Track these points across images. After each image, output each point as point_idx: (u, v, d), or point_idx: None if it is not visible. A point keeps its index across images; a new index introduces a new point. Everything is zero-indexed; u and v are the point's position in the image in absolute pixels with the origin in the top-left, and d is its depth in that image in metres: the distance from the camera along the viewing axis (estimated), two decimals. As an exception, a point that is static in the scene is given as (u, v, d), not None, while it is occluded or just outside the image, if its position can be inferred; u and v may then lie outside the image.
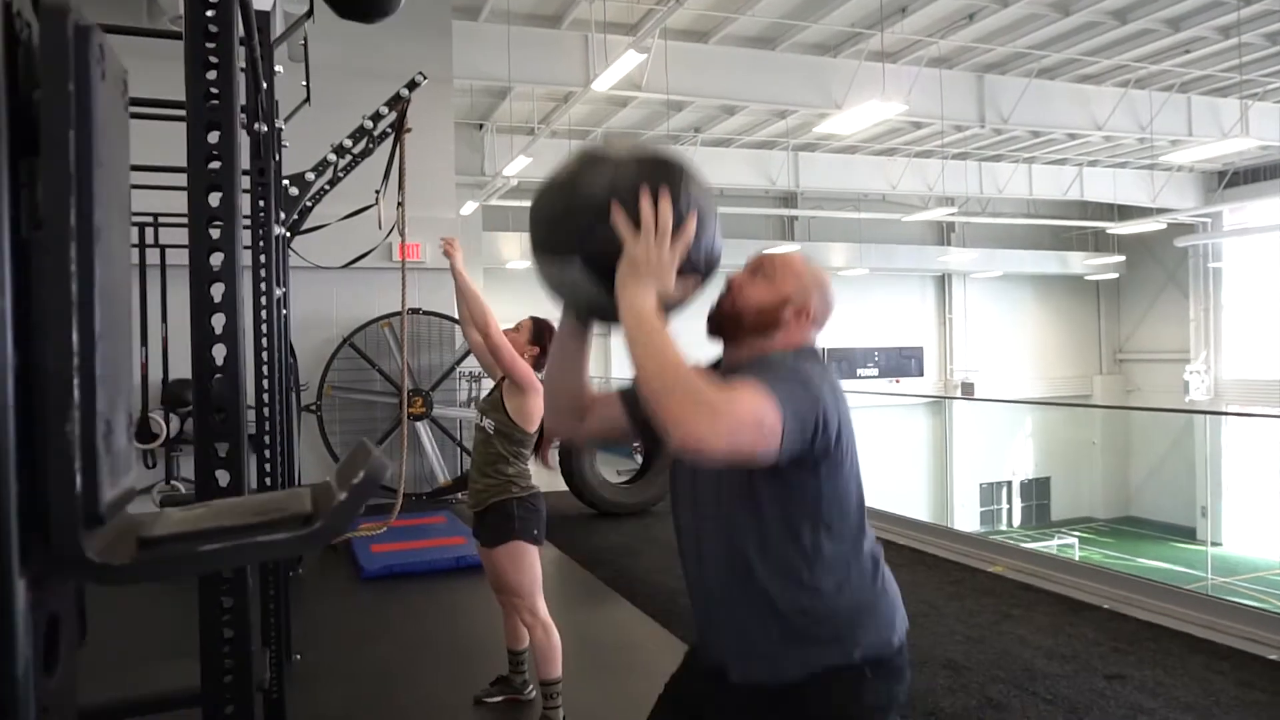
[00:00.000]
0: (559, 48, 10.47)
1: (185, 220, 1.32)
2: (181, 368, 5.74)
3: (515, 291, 18.07)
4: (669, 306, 1.32)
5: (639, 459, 7.37)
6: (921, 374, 21.03)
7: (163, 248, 5.65)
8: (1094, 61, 11.79)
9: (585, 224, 1.28)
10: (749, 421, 1.22)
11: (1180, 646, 3.84)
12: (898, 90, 10.85)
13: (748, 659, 1.45)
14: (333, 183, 5.50)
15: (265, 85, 2.74)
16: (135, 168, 3.46)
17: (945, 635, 3.99)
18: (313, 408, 7.00)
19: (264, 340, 2.90)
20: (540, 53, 10.28)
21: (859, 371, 20.54)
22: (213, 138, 1.30)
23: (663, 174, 1.28)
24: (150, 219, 5.48)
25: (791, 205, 19.01)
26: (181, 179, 3.02)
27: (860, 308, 20.50)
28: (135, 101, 3.49)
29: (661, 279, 1.28)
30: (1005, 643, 3.90)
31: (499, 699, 3.36)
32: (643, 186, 1.26)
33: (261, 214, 2.81)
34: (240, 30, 2.24)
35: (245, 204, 3.51)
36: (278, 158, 3.70)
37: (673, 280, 1.29)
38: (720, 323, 1.53)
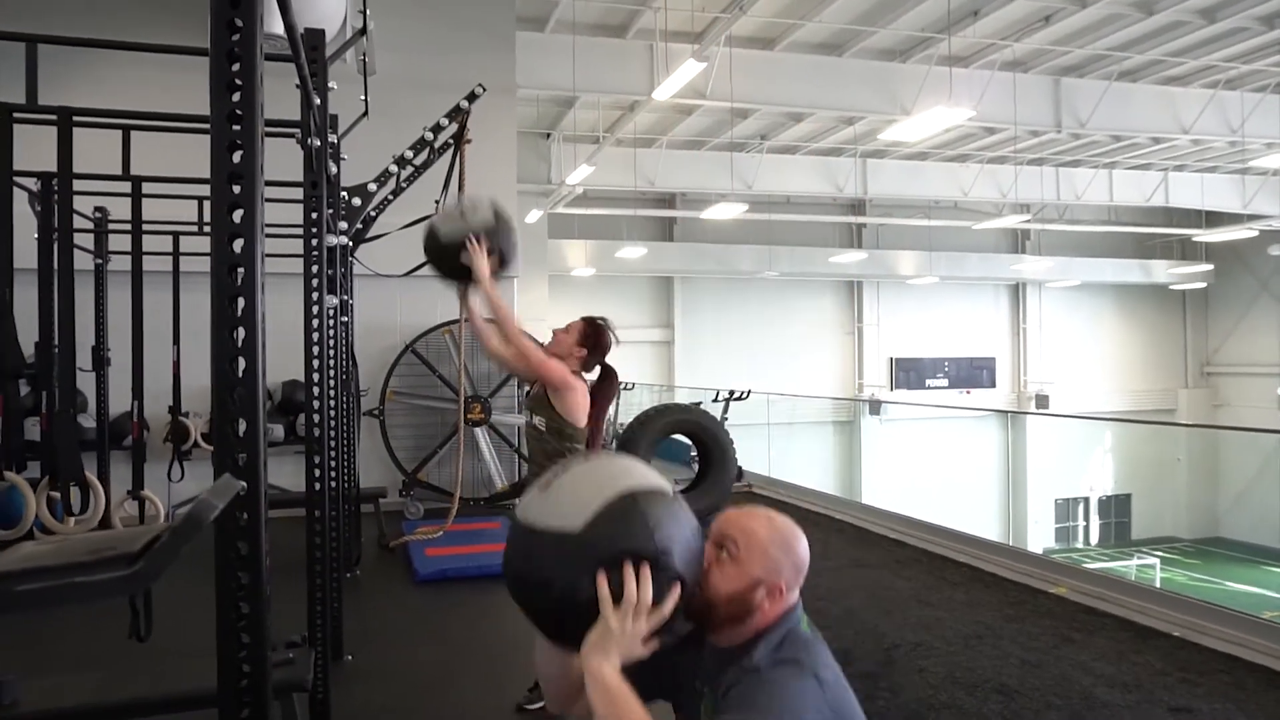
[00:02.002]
0: (624, 57, 10.53)
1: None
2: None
3: (577, 299, 18.23)
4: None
5: (695, 466, 7.33)
6: (994, 385, 20.46)
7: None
8: (1180, 62, 11.32)
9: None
10: None
11: (1256, 680, 3.64)
12: (969, 95, 10.59)
13: None
14: (396, 193, 5.62)
15: (319, 101, 2.82)
16: (192, 180, 3.60)
17: (1000, 658, 3.86)
18: (375, 413, 7.16)
19: (314, 349, 2.97)
20: (605, 62, 10.36)
21: (928, 382, 20.11)
22: (236, 158, 1.34)
23: (643, 546, 1.28)
24: (197, 228, 5.67)
25: (860, 213, 18.72)
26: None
27: (929, 317, 20.09)
28: (190, 118, 3.63)
29: (631, 651, 1.27)
30: (1064, 668, 3.76)
31: (539, 705, 3.38)
32: (625, 560, 1.26)
33: (314, 226, 2.89)
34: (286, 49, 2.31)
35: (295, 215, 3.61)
36: (336, 170, 3.81)
37: (641, 649, 1.28)
38: (693, 614, 1.40)
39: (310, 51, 2.87)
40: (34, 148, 3.14)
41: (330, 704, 2.97)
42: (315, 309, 2.96)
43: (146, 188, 4.37)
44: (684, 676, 1.49)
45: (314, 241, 2.90)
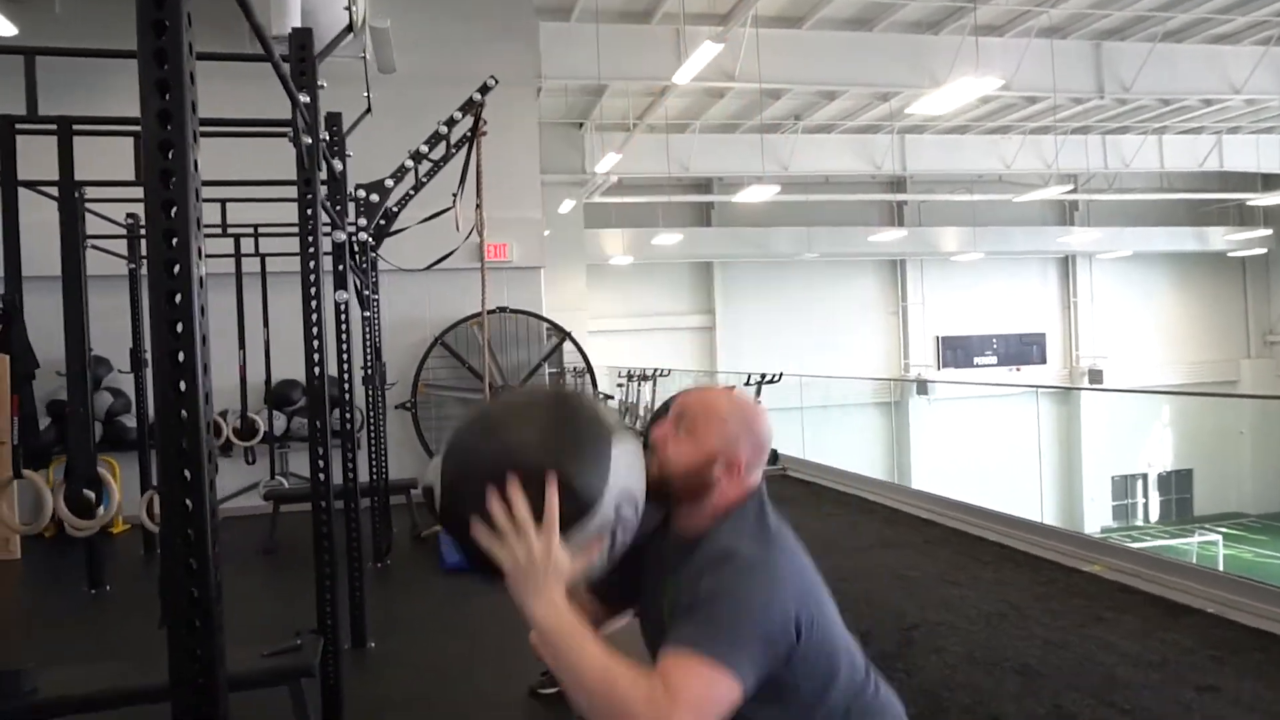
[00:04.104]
0: (650, 43, 10.48)
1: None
2: (287, 368, 6.09)
3: (615, 288, 18.27)
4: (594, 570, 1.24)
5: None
6: (1044, 361, 20.00)
7: (263, 256, 6.00)
8: (1228, 19, 10.88)
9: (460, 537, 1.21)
10: (695, 708, 1.11)
11: (1292, 656, 3.51)
12: (1004, 64, 10.32)
13: None
14: (417, 188, 5.67)
15: (307, 99, 2.86)
16: (236, 182, 3.71)
17: (1022, 637, 3.79)
18: (407, 405, 7.28)
19: (314, 343, 3.03)
20: (631, 49, 10.33)
21: (976, 360, 19.74)
22: (169, 155, 1.37)
23: (509, 458, 1.17)
24: (250, 229, 5.83)
25: (899, 190, 18.41)
26: (279, 191, 3.15)
27: (976, 294, 19.69)
28: (231, 122, 3.70)
29: (559, 573, 1.16)
30: (1089, 648, 3.67)
31: (552, 690, 3.41)
32: (489, 488, 1.14)
33: (310, 222, 2.94)
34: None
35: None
36: (342, 167, 3.87)
37: (567, 565, 1.17)
38: (651, 490, 1.34)
39: (299, 50, 2.92)
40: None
41: (342, 690, 3.04)
42: (314, 304, 3.01)
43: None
44: (648, 574, 1.43)
45: (309, 238, 2.95)
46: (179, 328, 1.41)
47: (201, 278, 1.44)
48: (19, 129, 2.78)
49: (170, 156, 1.40)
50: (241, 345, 5.87)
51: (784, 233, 18.04)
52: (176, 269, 1.41)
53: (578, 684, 1.14)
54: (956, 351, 19.97)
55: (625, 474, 1.24)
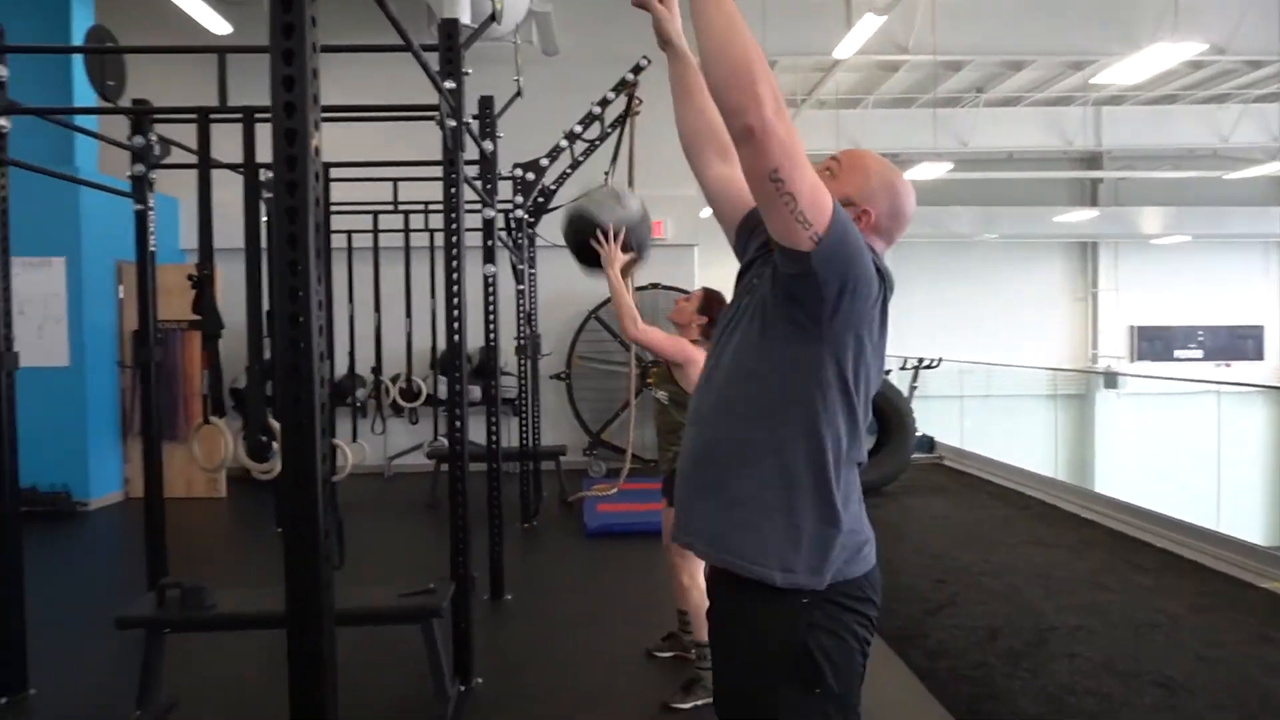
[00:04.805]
0: (818, 16, 10.24)
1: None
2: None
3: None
4: None
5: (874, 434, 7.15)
6: (1260, 357, 17.98)
7: (431, 231, 6.44)
8: None
9: None
10: (796, 151, 1.22)
11: None
12: (1221, 25, 9.32)
13: (687, 529, 1.47)
14: (574, 166, 5.90)
15: (453, 85, 3.08)
16: (404, 163, 4.06)
17: (1172, 650, 3.53)
18: (562, 376, 7.60)
19: (454, 313, 3.27)
20: (798, 22, 10.14)
21: (1177, 353, 18.04)
22: (293, 143, 1.56)
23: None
24: (421, 206, 6.26)
25: (1094, 166, 17.03)
26: (440, 171, 3.40)
27: (1180, 280, 17.96)
28: (387, 107, 4.02)
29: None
30: (1248, 668, 3.37)
31: (669, 654, 3.54)
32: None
33: (453, 200, 3.17)
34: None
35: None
36: (493, 148, 4.10)
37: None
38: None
39: (446, 40, 3.14)
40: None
41: (471, 633, 3.30)
42: (455, 276, 3.24)
43: (348, 172, 4.94)
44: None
45: (453, 215, 3.18)
46: (298, 294, 1.61)
47: (318, 250, 1.63)
48: (212, 118, 3.17)
49: (294, 144, 1.59)
50: (408, 314, 6.33)
51: (962, 212, 17.14)
52: (296, 242, 1.61)
53: (738, 35, 1.22)
54: (1155, 343, 18.32)
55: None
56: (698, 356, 3.21)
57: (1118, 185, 17.44)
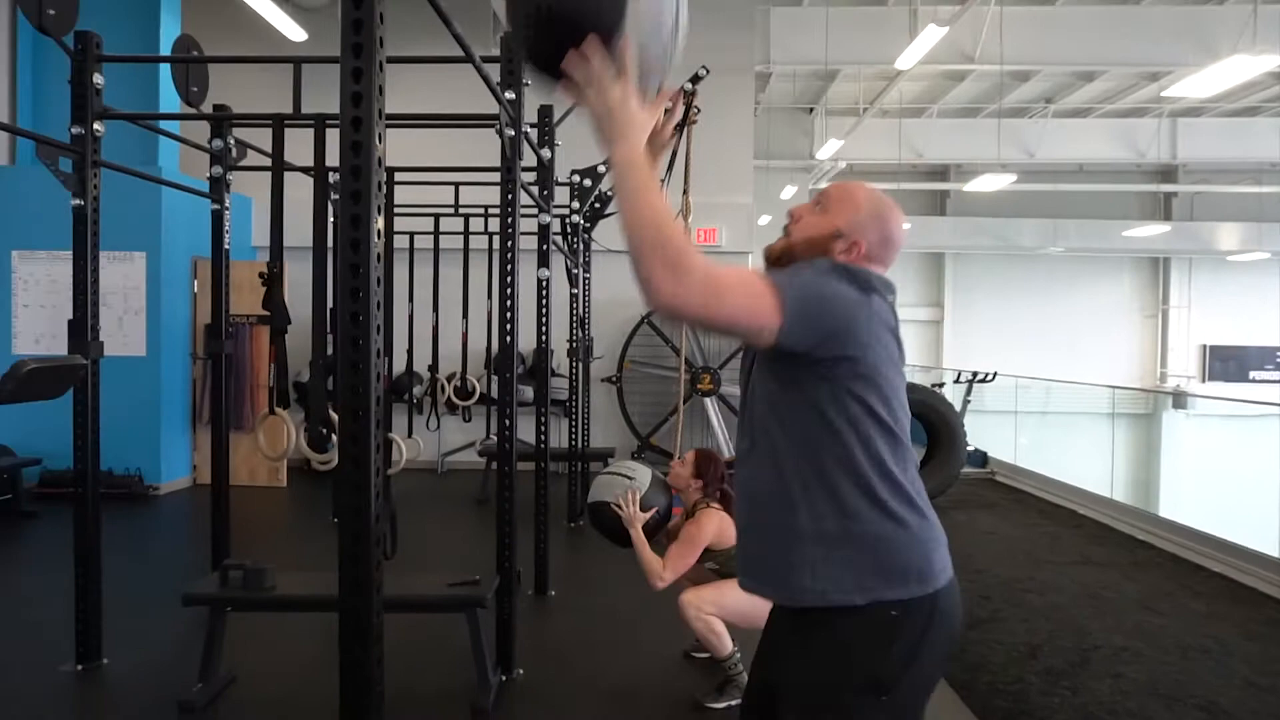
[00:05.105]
0: (882, 26, 10.20)
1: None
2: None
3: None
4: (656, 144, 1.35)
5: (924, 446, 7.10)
6: (1343, 381, 17.27)
7: (490, 235, 6.60)
8: None
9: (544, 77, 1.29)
10: (720, 289, 1.23)
11: None
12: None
13: (755, 577, 1.51)
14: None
15: (514, 96, 3.20)
16: (470, 168, 4.21)
17: (1221, 677, 3.47)
18: (613, 379, 7.71)
19: (508, 314, 3.39)
20: (862, 32, 10.11)
21: (1252, 374, 17.43)
22: (358, 154, 1.68)
23: (585, 18, 1.20)
24: (481, 210, 6.43)
25: (1169, 180, 16.55)
26: (497, 176, 3.51)
27: (1257, 299, 17.38)
28: (450, 116, 4.16)
29: (634, 122, 1.24)
30: (1299, 697, 3.30)
31: (705, 655, 3.60)
32: (570, 48, 1.21)
33: (509, 206, 3.28)
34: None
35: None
36: (550, 155, 4.22)
37: (642, 116, 1.25)
38: (775, 256, 1.52)
39: (507, 53, 3.26)
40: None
41: (514, 625, 3.40)
42: (509, 279, 3.36)
43: (411, 176, 5.12)
44: None
45: (509, 220, 3.30)
46: (359, 294, 1.73)
47: (378, 255, 1.75)
48: (286, 124, 3.35)
49: (359, 155, 1.71)
50: (465, 314, 6.51)
51: (1028, 224, 16.83)
52: (358, 246, 1.72)
53: (634, 216, 1.23)
54: (1228, 364, 17.75)
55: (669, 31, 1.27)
56: (713, 531, 3.22)
57: (1193, 199, 16.94)
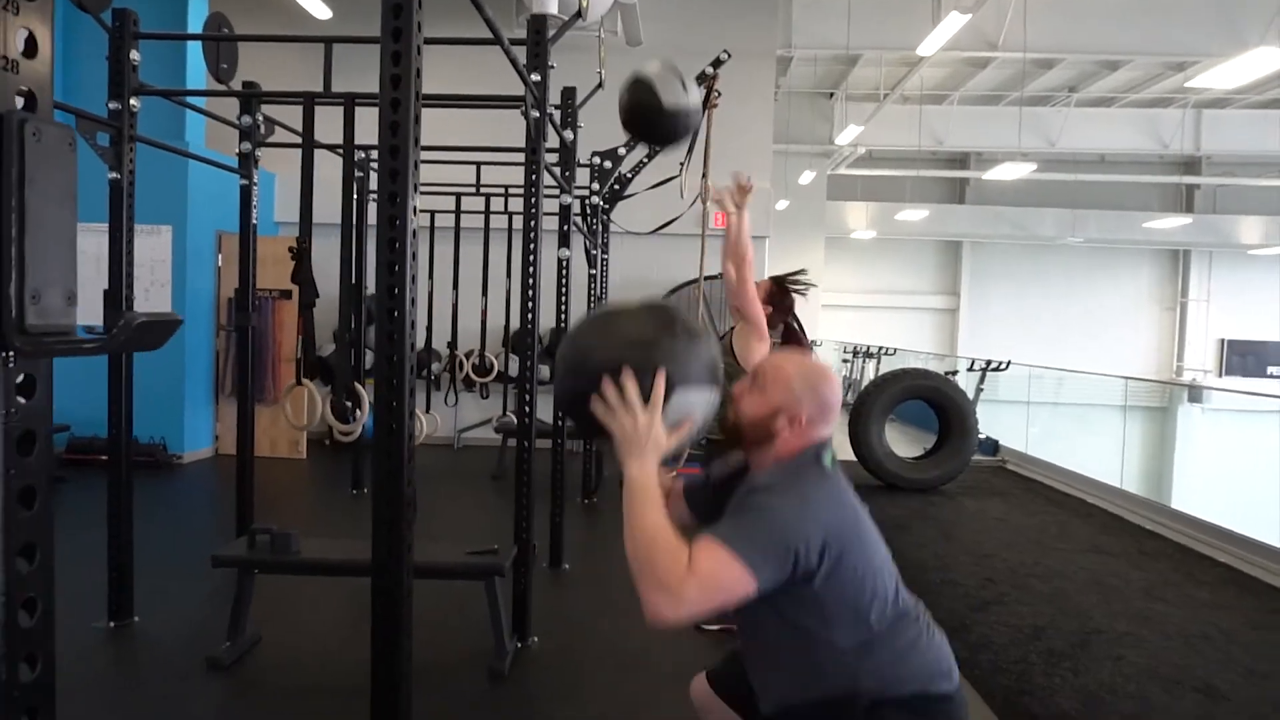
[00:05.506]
0: (904, 11, 10.16)
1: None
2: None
3: (855, 262, 17.91)
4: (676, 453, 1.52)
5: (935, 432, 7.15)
6: (1362, 377, 17.14)
7: (510, 214, 6.68)
8: None
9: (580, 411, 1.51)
10: (707, 589, 1.38)
11: None
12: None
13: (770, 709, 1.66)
14: (650, 155, 6.05)
15: (539, 78, 3.26)
16: (492, 148, 4.27)
17: (1220, 662, 3.53)
18: (629, 359, 7.78)
19: (529, 294, 3.47)
20: (884, 17, 10.08)
21: (1270, 369, 17.32)
22: (395, 134, 1.76)
23: (632, 353, 1.44)
24: (501, 190, 6.50)
25: (1193, 171, 16.41)
26: (521, 156, 3.58)
27: (1278, 294, 17.23)
28: (475, 97, 4.21)
29: (656, 445, 1.44)
30: (1298, 684, 3.36)
31: (716, 627, 3.69)
32: (604, 374, 1.42)
33: (533, 187, 3.36)
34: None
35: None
36: (573, 137, 4.28)
37: (662, 442, 1.45)
38: (728, 435, 1.67)
39: (534, 35, 3.32)
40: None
41: (529, 594, 3.51)
42: (531, 259, 3.44)
43: (433, 155, 5.18)
44: (728, 504, 1.71)
45: (532, 200, 3.37)
46: (395, 268, 1.81)
47: (414, 230, 1.83)
48: (316, 102, 3.43)
49: (396, 135, 1.79)
50: (485, 293, 6.59)
51: (1047, 214, 16.75)
52: (396, 222, 1.80)
53: (634, 532, 1.43)
54: (1246, 358, 17.65)
55: (708, 379, 1.52)
56: (767, 336, 3.27)
57: (1216, 191, 16.80)
